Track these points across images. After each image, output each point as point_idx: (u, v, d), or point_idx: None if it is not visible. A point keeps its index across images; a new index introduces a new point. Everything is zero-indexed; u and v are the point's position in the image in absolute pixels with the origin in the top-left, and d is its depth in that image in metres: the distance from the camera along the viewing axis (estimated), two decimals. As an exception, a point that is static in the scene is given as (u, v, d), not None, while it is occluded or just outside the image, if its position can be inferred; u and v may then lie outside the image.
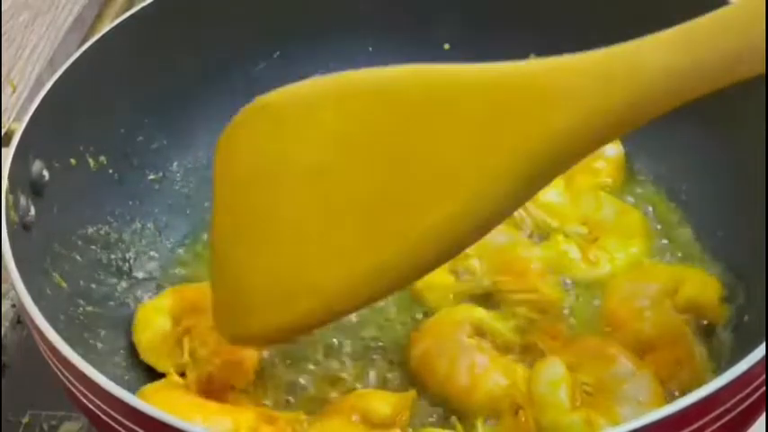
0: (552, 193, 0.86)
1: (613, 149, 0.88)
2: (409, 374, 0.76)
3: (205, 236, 0.87)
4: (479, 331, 0.76)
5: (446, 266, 0.78)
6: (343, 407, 0.72)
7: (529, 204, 0.84)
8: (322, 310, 0.67)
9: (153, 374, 0.78)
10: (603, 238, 0.83)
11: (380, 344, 0.79)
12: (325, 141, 0.66)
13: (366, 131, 0.65)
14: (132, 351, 0.79)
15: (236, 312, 0.70)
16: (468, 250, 0.74)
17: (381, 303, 0.79)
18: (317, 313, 0.67)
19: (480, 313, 0.77)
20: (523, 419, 0.72)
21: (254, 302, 0.68)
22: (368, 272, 0.65)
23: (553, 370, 0.73)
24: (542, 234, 0.84)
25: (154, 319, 0.79)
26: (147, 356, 0.78)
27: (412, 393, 0.73)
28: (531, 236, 0.84)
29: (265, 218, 0.68)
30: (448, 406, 0.74)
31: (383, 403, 0.72)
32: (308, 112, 0.67)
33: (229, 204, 0.71)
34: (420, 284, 0.79)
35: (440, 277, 0.80)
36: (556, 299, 0.80)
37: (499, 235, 0.81)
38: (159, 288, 0.84)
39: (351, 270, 0.65)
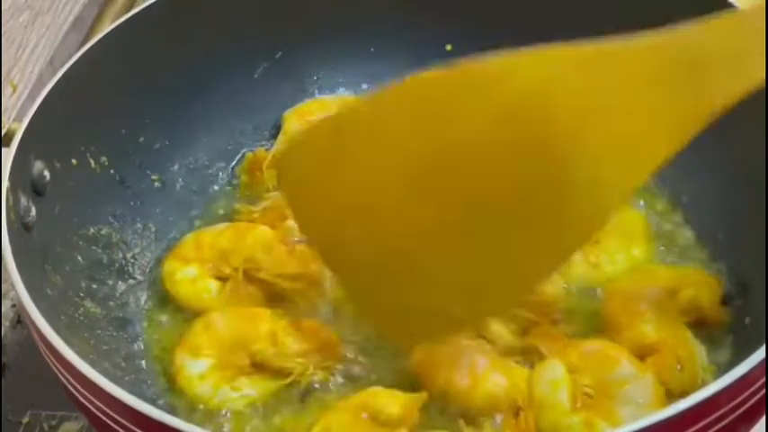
0: (553, 195, 0.86)
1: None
2: (410, 375, 0.76)
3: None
4: (480, 333, 0.76)
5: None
6: (354, 403, 0.72)
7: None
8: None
9: (152, 376, 0.78)
10: (604, 240, 0.83)
11: (381, 344, 0.79)
12: None
13: None
14: (132, 352, 0.79)
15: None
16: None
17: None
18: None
19: (481, 315, 0.77)
20: (524, 421, 0.72)
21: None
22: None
23: (553, 371, 0.73)
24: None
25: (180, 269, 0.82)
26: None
27: (423, 395, 0.73)
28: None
29: None
30: (449, 407, 0.74)
31: (393, 403, 0.72)
32: None
33: None
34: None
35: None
36: (556, 301, 0.79)
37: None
38: (160, 288, 0.84)
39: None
